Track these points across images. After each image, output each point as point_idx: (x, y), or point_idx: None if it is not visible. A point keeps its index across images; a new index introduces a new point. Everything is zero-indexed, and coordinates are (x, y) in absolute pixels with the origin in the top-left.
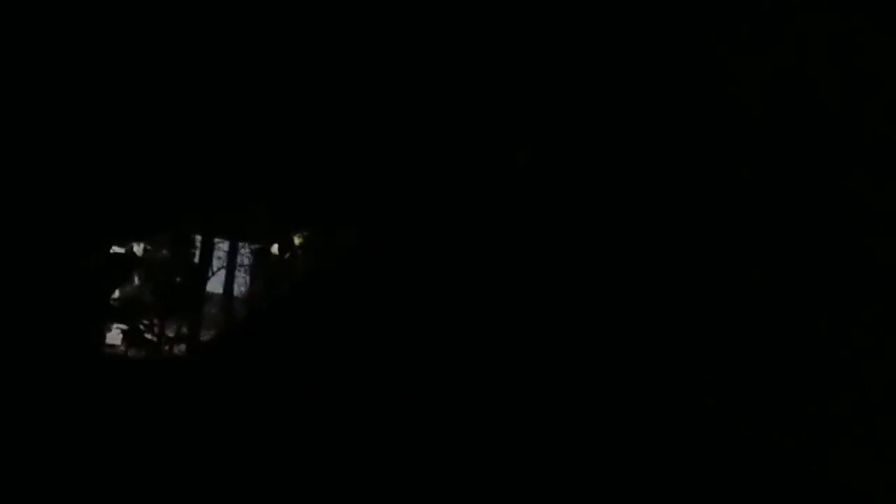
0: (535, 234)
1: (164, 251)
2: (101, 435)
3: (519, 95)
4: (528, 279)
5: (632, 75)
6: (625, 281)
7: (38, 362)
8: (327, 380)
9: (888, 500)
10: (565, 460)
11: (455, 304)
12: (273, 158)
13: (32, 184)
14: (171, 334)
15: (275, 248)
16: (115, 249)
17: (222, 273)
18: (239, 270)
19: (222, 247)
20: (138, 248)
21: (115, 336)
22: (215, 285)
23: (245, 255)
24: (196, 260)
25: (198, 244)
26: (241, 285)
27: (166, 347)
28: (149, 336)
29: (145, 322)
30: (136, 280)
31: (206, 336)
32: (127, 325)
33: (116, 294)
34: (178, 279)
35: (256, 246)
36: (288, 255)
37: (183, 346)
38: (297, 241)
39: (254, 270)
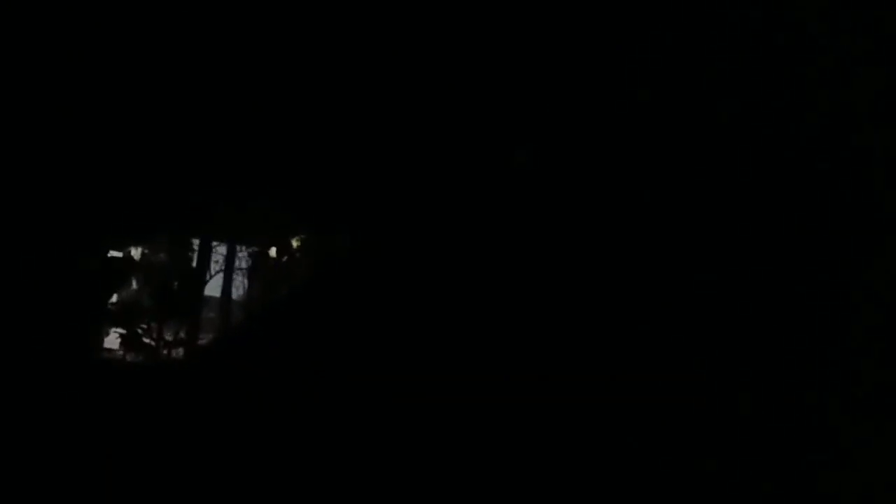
0: (534, 234)
1: (162, 255)
2: (99, 438)
3: (517, 96)
4: (527, 279)
5: (632, 75)
6: (625, 281)
7: (36, 366)
8: (326, 382)
9: (888, 500)
10: (566, 460)
11: (454, 304)
12: (271, 161)
13: (30, 189)
14: (169, 338)
15: (273, 251)
16: (113, 253)
17: (220, 276)
18: (237, 274)
19: (220, 250)
20: (136, 252)
21: (112, 340)
22: (213, 289)
23: (243, 258)
24: (194, 263)
25: (195, 248)
26: (238, 288)
27: (164, 351)
28: (147, 340)
29: (143, 326)
30: (134, 284)
31: (204, 339)
32: (125, 328)
33: (114, 298)
34: (175, 283)
35: (254, 249)
36: (286, 258)
37: (181, 350)
38: (294, 243)
39: (251, 273)
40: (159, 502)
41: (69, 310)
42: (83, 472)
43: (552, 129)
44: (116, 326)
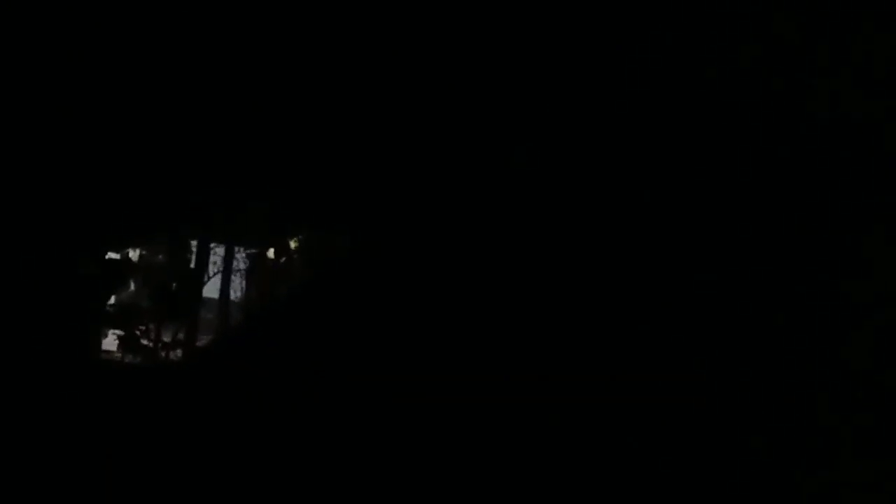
0: (534, 234)
1: (160, 256)
2: (98, 440)
3: (515, 96)
4: (527, 279)
5: (631, 75)
6: (624, 281)
7: (34, 368)
8: (325, 383)
9: (888, 500)
10: (566, 460)
11: (453, 305)
12: (268, 162)
13: (28, 190)
14: (167, 340)
15: (271, 253)
16: (111, 255)
17: (218, 278)
18: (235, 275)
19: (218, 251)
20: (134, 254)
21: (111, 342)
22: (211, 290)
23: (241, 259)
24: (192, 265)
25: (193, 249)
26: (237, 290)
27: (163, 353)
28: (145, 342)
29: (141, 328)
30: (132, 286)
31: (202, 341)
32: (123, 330)
33: (112, 300)
34: (174, 284)
35: (252, 250)
36: (284, 259)
37: (179, 352)
38: (293, 244)
39: (250, 275)
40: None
41: (67, 311)
42: (82, 474)
43: (550, 129)
44: (114, 328)
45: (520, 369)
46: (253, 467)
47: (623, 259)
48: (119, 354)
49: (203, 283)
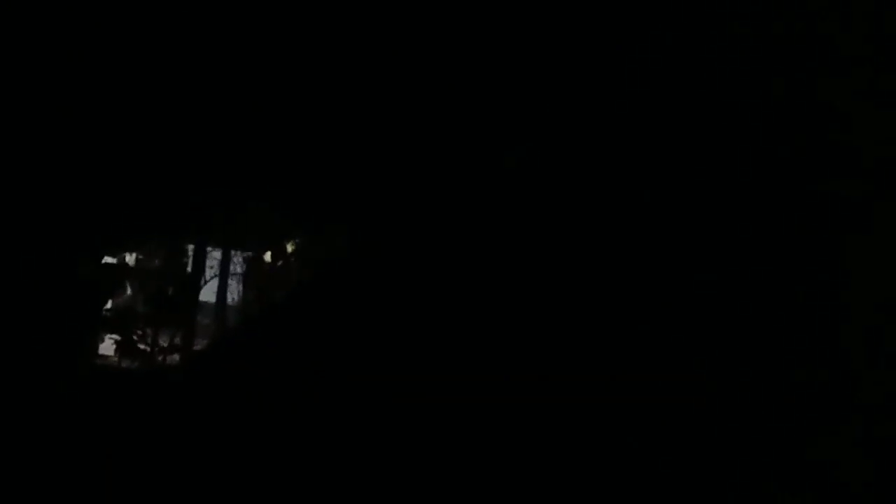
0: (534, 234)
1: (157, 261)
2: (95, 444)
3: (510, 98)
4: (527, 280)
5: (631, 75)
6: (624, 281)
7: (32, 372)
8: (322, 384)
9: (888, 500)
10: (565, 460)
11: (450, 305)
12: (265, 165)
13: (25, 196)
14: (164, 344)
15: (267, 256)
16: (107, 260)
17: (215, 282)
18: (231, 279)
19: (215, 255)
20: (130, 259)
21: (108, 346)
22: (208, 294)
23: (237, 263)
24: (188, 269)
25: (190, 253)
26: (233, 293)
27: (160, 357)
28: (142, 346)
29: (138, 332)
30: (129, 290)
31: (199, 345)
32: (120, 335)
33: (109, 304)
34: (170, 289)
35: (249, 254)
36: (280, 262)
37: (176, 356)
38: (289, 248)
39: (246, 278)
40: None
41: (64, 316)
42: (79, 478)
43: (545, 131)
44: (111, 332)
45: (521, 369)
46: (251, 469)
47: (623, 259)
48: (116, 359)
49: (200, 287)
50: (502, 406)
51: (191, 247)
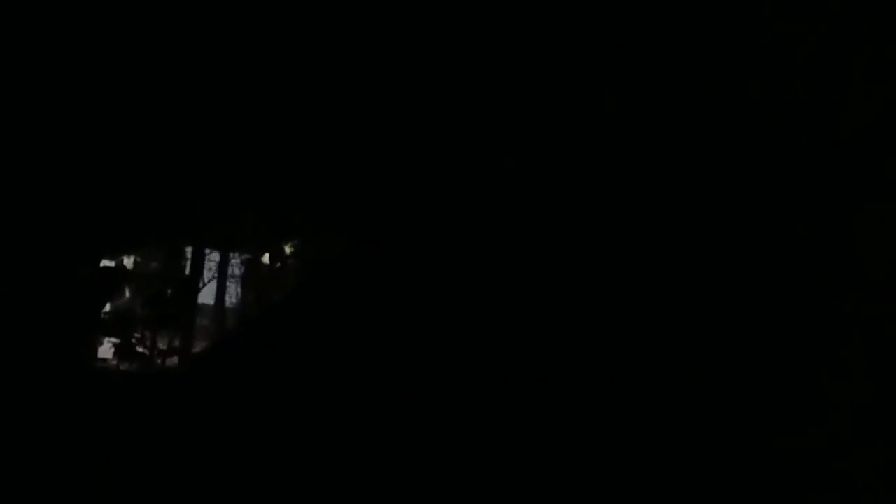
0: (533, 235)
1: (155, 264)
2: (94, 447)
3: (506, 103)
4: (528, 280)
5: (630, 76)
6: (624, 281)
7: (31, 376)
8: (321, 386)
9: (887, 500)
10: (565, 460)
11: (451, 307)
12: (262, 168)
13: (23, 199)
14: (163, 346)
15: (266, 258)
16: (106, 263)
17: (213, 284)
18: (230, 281)
19: (213, 258)
20: (129, 261)
21: (106, 350)
22: (207, 296)
23: (236, 265)
24: (187, 272)
25: (188, 256)
26: (232, 296)
27: (159, 360)
28: (141, 349)
29: (137, 335)
30: (127, 293)
31: (198, 347)
32: (119, 338)
33: (108, 307)
34: (169, 291)
35: (247, 256)
36: (279, 264)
37: (175, 359)
38: (287, 250)
39: (245, 281)
40: None
41: (63, 320)
42: (78, 482)
43: (546, 132)
44: (110, 336)
45: (515, 371)
46: (251, 470)
47: (624, 260)
48: (115, 362)
49: (198, 290)
50: (502, 407)
51: (189, 249)
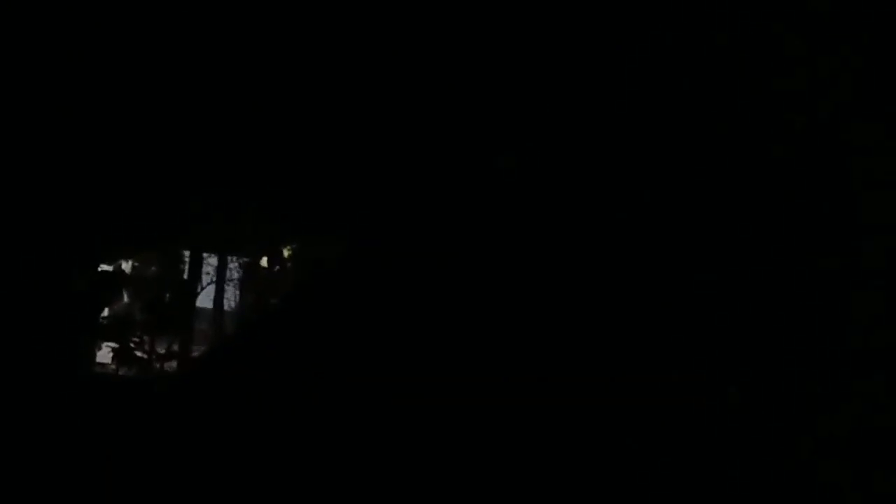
0: (535, 234)
1: (153, 268)
2: (93, 453)
3: (502, 101)
4: (528, 280)
5: (632, 73)
6: (624, 281)
7: (29, 381)
8: (320, 389)
9: (887, 500)
10: (565, 460)
11: (450, 308)
12: (260, 171)
13: (21, 204)
14: (161, 351)
15: (264, 262)
16: (104, 268)
17: (212, 288)
18: (228, 285)
19: (211, 261)
20: (127, 266)
21: (105, 354)
22: (205, 300)
23: (234, 269)
24: (185, 275)
25: (186, 260)
26: (230, 299)
27: (157, 364)
28: (139, 353)
29: (136, 339)
30: (126, 297)
31: (196, 351)
32: (117, 342)
33: (106, 312)
34: (167, 295)
35: (246, 259)
36: (277, 268)
37: (174, 363)
38: (285, 253)
39: (243, 284)
40: None
41: (61, 324)
42: (78, 486)
43: (544, 132)
44: (109, 340)
45: (514, 372)
46: (250, 474)
47: (623, 260)
48: (114, 367)
49: (197, 294)
50: (502, 409)
51: (187, 253)
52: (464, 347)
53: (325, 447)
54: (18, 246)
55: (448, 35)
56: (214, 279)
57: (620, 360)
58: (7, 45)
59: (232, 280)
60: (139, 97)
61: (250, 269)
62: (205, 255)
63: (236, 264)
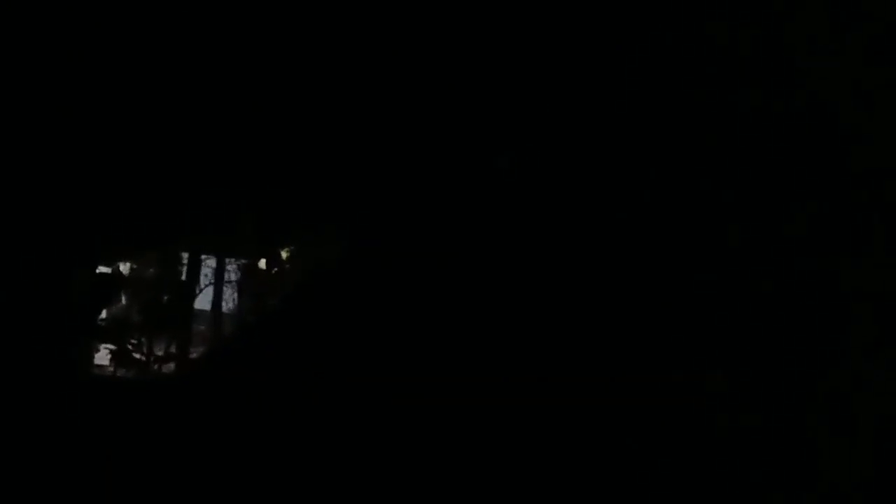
0: (534, 234)
1: (151, 270)
2: (91, 456)
3: (500, 102)
4: (527, 280)
5: (632, 73)
6: (624, 281)
7: (26, 384)
8: (319, 391)
9: (887, 500)
10: (565, 460)
11: (450, 308)
12: (259, 171)
13: (17, 205)
14: (159, 353)
15: (262, 263)
16: (102, 269)
17: (210, 290)
18: (226, 286)
19: (209, 263)
20: (125, 268)
21: (103, 356)
22: (203, 302)
23: (232, 271)
24: (183, 277)
25: (184, 261)
26: (228, 301)
27: (155, 366)
28: (137, 355)
29: (133, 341)
30: (124, 299)
31: (195, 353)
32: (115, 344)
33: (104, 314)
34: (165, 297)
35: (244, 261)
36: (275, 269)
37: (172, 365)
38: (284, 254)
39: (241, 286)
40: None
41: (59, 326)
42: (76, 488)
43: (542, 132)
44: (107, 342)
45: (514, 373)
46: (249, 475)
47: (623, 259)
48: (112, 369)
49: (195, 295)
50: (501, 409)
51: (185, 255)
52: (463, 347)
53: (324, 448)
54: (17, 247)
55: (447, 35)
56: (212, 281)
57: (620, 360)
58: (7, 46)
59: (230, 282)
60: (138, 98)
61: (248, 271)
62: (203, 256)
63: (234, 266)
